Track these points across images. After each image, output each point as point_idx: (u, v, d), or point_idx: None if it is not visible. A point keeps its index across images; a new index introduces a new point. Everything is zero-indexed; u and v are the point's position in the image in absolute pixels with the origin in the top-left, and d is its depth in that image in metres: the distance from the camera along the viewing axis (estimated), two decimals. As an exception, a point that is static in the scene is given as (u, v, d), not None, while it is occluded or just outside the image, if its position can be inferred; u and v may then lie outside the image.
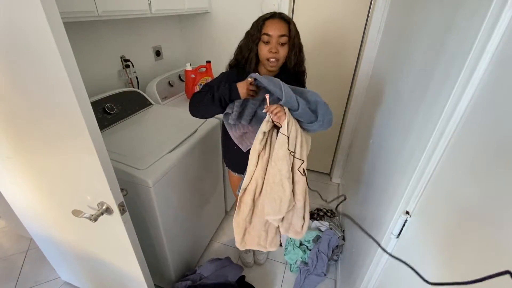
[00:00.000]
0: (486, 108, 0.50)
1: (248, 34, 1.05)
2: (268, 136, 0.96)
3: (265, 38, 1.00)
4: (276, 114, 0.90)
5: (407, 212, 0.75)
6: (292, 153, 0.93)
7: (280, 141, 0.91)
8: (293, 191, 0.97)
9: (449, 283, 0.45)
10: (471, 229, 0.49)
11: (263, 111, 0.93)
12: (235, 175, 1.37)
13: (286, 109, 0.91)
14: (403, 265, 0.76)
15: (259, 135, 0.94)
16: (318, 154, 2.37)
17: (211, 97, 1.00)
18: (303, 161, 0.95)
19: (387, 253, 0.83)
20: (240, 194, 1.02)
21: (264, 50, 1.01)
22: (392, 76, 1.22)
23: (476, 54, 0.52)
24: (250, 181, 0.99)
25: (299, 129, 0.93)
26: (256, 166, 0.97)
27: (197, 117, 1.08)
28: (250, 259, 1.62)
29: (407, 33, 1.11)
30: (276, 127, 0.96)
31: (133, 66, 1.65)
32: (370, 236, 0.98)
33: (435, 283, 0.50)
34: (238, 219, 1.06)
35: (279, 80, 0.92)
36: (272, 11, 1.03)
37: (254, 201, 1.03)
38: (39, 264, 1.59)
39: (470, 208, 0.50)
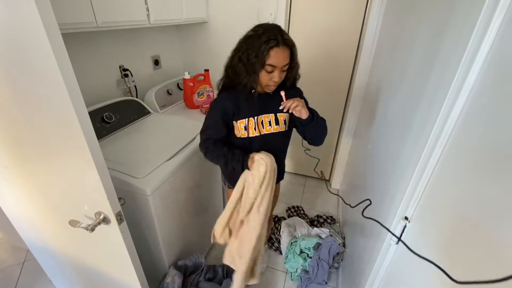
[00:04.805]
0: (480, 112, 0.51)
1: (247, 58, 0.91)
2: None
3: (269, 68, 0.91)
4: (295, 108, 0.93)
5: (406, 218, 0.74)
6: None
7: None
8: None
9: (477, 281, 0.44)
10: (470, 233, 0.49)
11: (280, 108, 0.97)
12: None
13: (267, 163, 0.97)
14: (405, 271, 0.75)
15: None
16: (317, 160, 2.37)
17: (223, 162, 1.02)
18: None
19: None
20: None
21: (265, 78, 0.94)
22: (388, 81, 1.24)
23: (469, 58, 0.53)
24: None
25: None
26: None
27: None
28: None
29: (401, 39, 1.12)
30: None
31: (131, 75, 1.67)
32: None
33: (463, 282, 0.48)
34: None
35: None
36: (274, 33, 0.88)
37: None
38: (35, 276, 1.57)
39: (469, 212, 0.50)
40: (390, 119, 1.09)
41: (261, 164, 0.97)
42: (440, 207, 0.61)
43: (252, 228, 1.04)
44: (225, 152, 1.02)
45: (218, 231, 1.13)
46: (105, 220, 0.80)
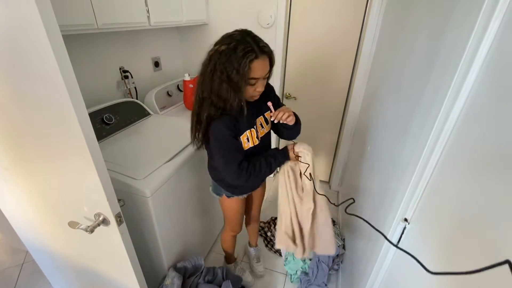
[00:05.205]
0: (479, 112, 0.51)
1: (228, 77, 0.83)
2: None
3: (252, 82, 0.88)
4: (287, 118, 0.97)
5: (406, 219, 0.74)
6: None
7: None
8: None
9: (450, 272, 0.45)
10: (470, 235, 0.49)
11: (272, 119, 1.00)
12: (240, 198, 1.23)
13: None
14: (404, 272, 0.75)
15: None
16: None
17: (268, 171, 1.03)
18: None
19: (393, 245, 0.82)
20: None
21: (250, 90, 0.91)
22: (388, 81, 1.24)
23: (468, 57, 0.53)
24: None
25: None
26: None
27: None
28: (250, 278, 1.58)
29: (401, 39, 1.13)
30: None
31: (132, 77, 1.67)
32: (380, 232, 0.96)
33: (437, 272, 0.49)
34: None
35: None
36: (249, 43, 0.82)
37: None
38: (34, 277, 1.56)
39: (469, 212, 0.50)
40: (390, 119, 1.09)
41: (306, 154, 1.07)
42: (440, 208, 0.60)
43: (324, 207, 1.13)
44: (263, 162, 1.01)
45: (284, 238, 1.12)
46: (105, 222, 0.80)
